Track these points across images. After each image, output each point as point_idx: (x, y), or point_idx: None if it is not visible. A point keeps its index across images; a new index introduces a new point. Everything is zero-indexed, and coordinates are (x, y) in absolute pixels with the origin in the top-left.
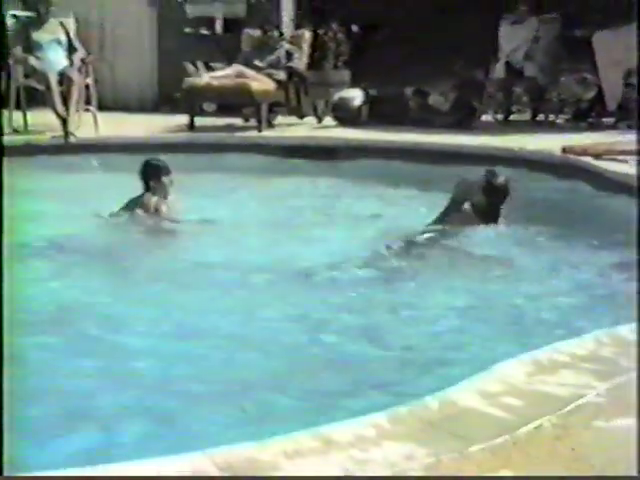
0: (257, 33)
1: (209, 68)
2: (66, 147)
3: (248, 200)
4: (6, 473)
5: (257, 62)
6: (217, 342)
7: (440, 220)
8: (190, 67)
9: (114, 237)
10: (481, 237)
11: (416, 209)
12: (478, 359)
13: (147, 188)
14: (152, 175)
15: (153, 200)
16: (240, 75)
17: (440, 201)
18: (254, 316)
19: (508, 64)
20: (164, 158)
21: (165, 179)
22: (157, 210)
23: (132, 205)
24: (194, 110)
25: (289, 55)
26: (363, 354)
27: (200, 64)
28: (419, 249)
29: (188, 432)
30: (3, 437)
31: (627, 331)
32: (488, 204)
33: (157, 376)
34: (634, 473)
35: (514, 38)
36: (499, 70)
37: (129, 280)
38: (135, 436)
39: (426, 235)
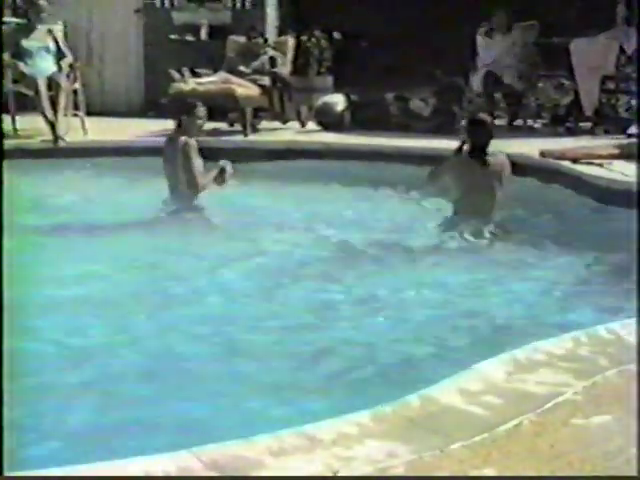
0: (242, 40)
1: (195, 74)
2: (55, 151)
3: (232, 199)
4: (6, 473)
5: (242, 68)
6: None
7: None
8: (175, 74)
9: None
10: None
11: (397, 209)
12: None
13: (179, 125)
14: (186, 112)
15: (182, 139)
16: (225, 82)
17: (419, 202)
18: None
19: (487, 71)
20: (151, 162)
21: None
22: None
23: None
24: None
25: (273, 61)
26: None
27: (186, 70)
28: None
29: None
30: (3, 437)
31: (604, 331)
32: (473, 142)
33: None
34: (634, 472)
35: (492, 47)
36: (477, 79)
37: None
38: None
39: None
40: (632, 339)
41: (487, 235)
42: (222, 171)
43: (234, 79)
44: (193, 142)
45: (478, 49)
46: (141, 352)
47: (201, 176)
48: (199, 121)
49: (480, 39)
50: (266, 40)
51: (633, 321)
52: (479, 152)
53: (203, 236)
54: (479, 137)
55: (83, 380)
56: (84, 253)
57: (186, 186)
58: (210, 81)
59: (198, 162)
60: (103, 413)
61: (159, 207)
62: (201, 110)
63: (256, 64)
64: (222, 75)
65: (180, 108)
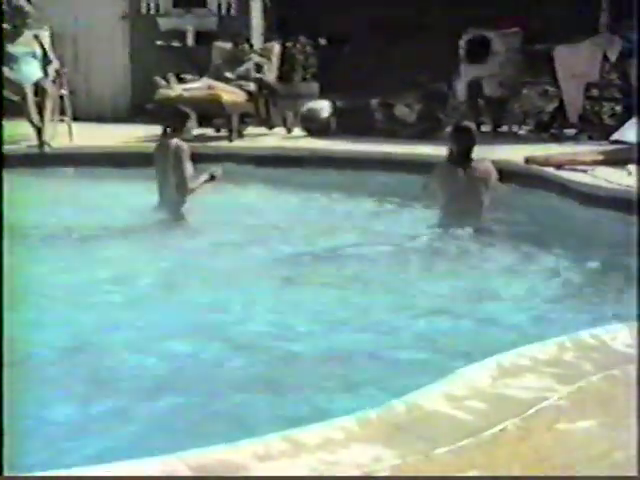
0: (228, 46)
1: (180, 80)
2: (41, 156)
3: (218, 204)
4: (6, 473)
5: (228, 74)
6: None
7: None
8: (161, 81)
9: None
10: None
11: (381, 214)
12: None
13: (172, 129)
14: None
15: (174, 142)
16: (210, 88)
17: (404, 207)
18: None
19: (470, 79)
20: (137, 167)
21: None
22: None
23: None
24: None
25: (258, 67)
26: None
27: (171, 76)
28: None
29: None
30: (3, 437)
31: (588, 336)
32: (458, 147)
33: None
34: (635, 473)
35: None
36: (461, 85)
37: None
38: None
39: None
40: (616, 344)
41: (473, 240)
42: (212, 177)
43: (218, 85)
44: (185, 146)
45: (461, 57)
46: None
47: (191, 180)
48: (190, 127)
49: (465, 48)
50: (252, 46)
51: (617, 326)
52: (463, 158)
53: (187, 240)
54: (463, 143)
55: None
56: (66, 259)
57: (175, 189)
58: (195, 87)
59: (188, 166)
60: None
61: (146, 211)
62: (192, 116)
63: (241, 70)
64: (205, 81)
65: (172, 114)
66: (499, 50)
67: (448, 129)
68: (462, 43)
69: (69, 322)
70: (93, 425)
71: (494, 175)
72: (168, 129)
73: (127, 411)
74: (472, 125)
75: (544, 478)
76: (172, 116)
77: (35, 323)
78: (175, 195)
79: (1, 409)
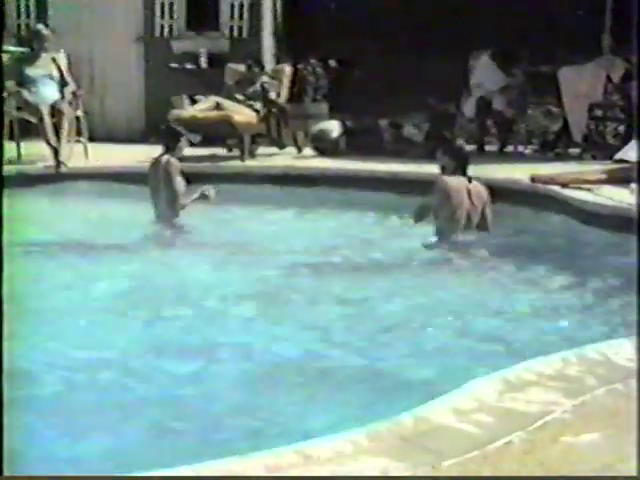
0: (241, 68)
1: (194, 101)
2: (57, 176)
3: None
4: (6, 473)
5: (238, 95)
6: None
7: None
8: (179, 100)
9: None
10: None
11: (387, 230)
12: None
13: (166, 148)
14: (171, 137)
15: (164, 158)
16: (218, 106)
17: (409, 224)
18: None
19: (478, 99)
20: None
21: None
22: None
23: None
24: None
25: (269, 88)
26: None
27: (185, 97)
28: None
29: None
30: (3, 437)
31: (593, 351)
32: (454, 163)
33: None
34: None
35: (492, 70)
36: (469, 105)
37: None
38: None
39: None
40: (619, 359)
41: (476, 254)
42: (203, 196)
43: (226, 103)
44: (175, 162)
45: (475, 73)
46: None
47: (182, 196)
48: (182, 146)
49: (483, 60)
50: (263, 68)
51: (620, 341)
52: (462, 174)
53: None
54: (461, 160)
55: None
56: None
57: (166, 205)
58: (205, 107)
59: (179, 182)
60: None
61: (148, 227)
62: (184, 136)
63: (250, 91)
64: (212, 99)
65: (165, 133)
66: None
67: (439, 150)
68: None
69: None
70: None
71: (487, 195)
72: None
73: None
74: (463, 143)
75: (544, 478)
76: (166, 135)
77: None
78: (167, 210)
79: (1, 409)
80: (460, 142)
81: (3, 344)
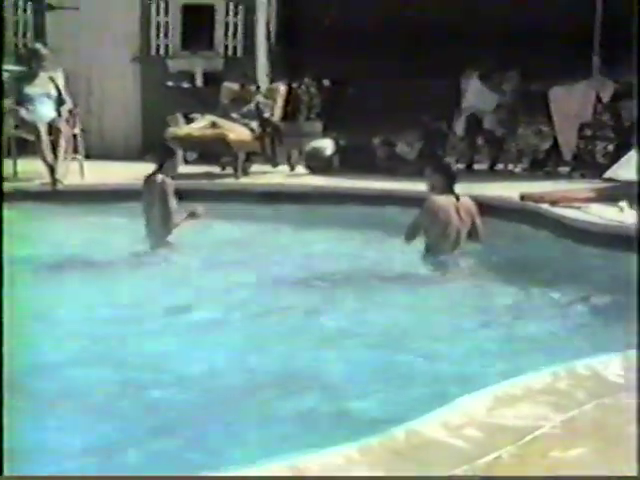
0: (236, 87)
1: (189, 120)
2: (53, 193)
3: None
4: (6, 473)
5: (233, 114)
6: None
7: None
8: (174, 119)
9: None
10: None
11: (380, 247)
12: None
13: (160, 166)
14: (165, 155)
15: (159, 177)
16: (214, 124)
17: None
18: None
19: (469, 117)
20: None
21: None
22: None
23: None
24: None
25: (263, 107)
26: None
27: (179, 116)
28: None
29: None
30: (3, 437)
31: (581, 366)
32: (443, 181)
33: None
34: None
35: (483, 91)
36: (460, 124)
37: None
38: None
39: None
40: (608, 374)
41: (464, 269)
42: (192, 214)
43: (221, 122)
44: (170, 181)
45: (467, 93)
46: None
47: (175, 214)
48: (176, 163)
49: (474, 82)
50: (258, 87)
51: (609, 357)
52: (450, 191)
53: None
54: (451, 178)
55: None
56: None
57: (160, 223)
58: (202, 126)
59: (173, 201)
60: None
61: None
62: (178, 154)
63: (245, 110)
64: (208, 118)
65: (162, 151)
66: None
67: (428, 169)
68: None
69: None
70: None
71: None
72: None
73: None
74: (452, 162)
75: (544, 478)
76: (160, 153)
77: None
78: (160, 228)
79: (1, 410)
80: (448, 160)
81: (3, 346)
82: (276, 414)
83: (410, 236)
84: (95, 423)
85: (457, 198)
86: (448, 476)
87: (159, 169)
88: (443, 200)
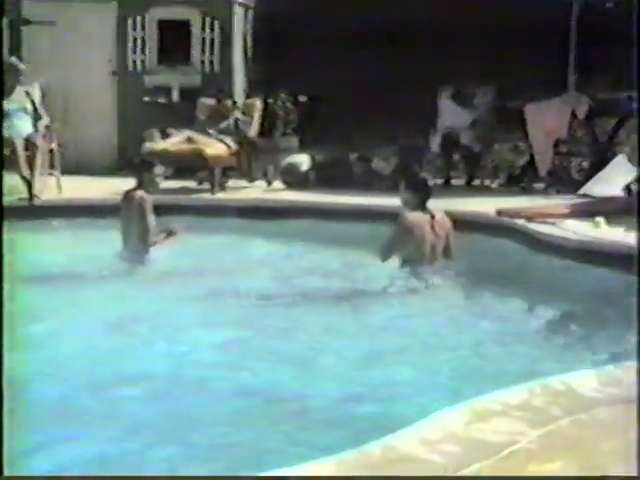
0: (212, 102)
1: (165, 135)
2: (30, 209)
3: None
4: (6, 473)
5: (210, 131)
6: None
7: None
8: (150, 134)
9: None
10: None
11: (353, 261)
12: None
13: (139, 182)
14: (143, 169)
15: (138, 193)
16: (190, 140)
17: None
18: None
19: (445, 134)
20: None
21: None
22: (140, 205)
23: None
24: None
25: (237, 124)
26: None
27: (155, 131)
28: None
29: None
30: (3, 437)
31: (557, 382)
32: (416, 197)
33: None
34: None
35: (456, 110)
36: (436, 140)
37: None
38: None
39: None
40: (583, 390)
41: (437, 283)
42: (170, 233)
43: (197, 137)
44: (149, 197)
45: (440, 111)
46: None
47: (153, 231)
48: (157, 178)
49: (445, 102)
50: (235, 103)
51: (585, 372)
52: (423, 207)
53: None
54: (425, 194)
55: None
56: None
57: (138, 239)
58: (179, 141)
59: (151, 218)
60: None
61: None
62: (158, 168)
63: (223, 125)
64: (185, 134)
65: (140, 166)
66: (477, 104)
67: (402, 183)
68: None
69: None
70: None
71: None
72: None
73: None
74: (428, 177)
75: (544, 478)
76: (139, 169)
77: None
78: (138, 244)
79: (1, 410)
80: (423, 176)
81: (3, 348)
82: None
83: (385, 255)
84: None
85: (432, 215)
86: (448, 476)
87: (138, 185)
88: (416, 216)
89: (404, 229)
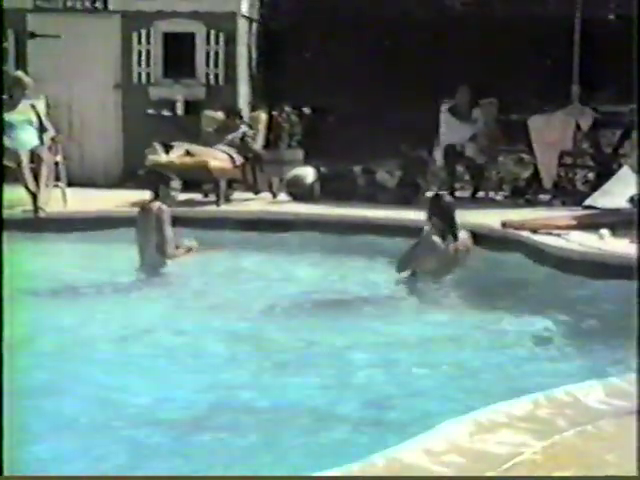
0: (217, 115)
1: (169, 147)
2: (36, 221)
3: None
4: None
5: (218, 145)
6: None
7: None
8: (153, 149)
9: None
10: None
11: (362, 274)
12: None
13: (156, 194)
14: (159, 182)
15: (156, 204)
16: (189, 153)
17: (383, 269)
18: None
19: (447, 147)
20: (128, 231)
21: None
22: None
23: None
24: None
25: (244, 139)
26: None
27: (158, 145)
28: None
29: None
30: (3, 437)
31: (562, 393)
32: (440, 220)
33: None
34: None
35: (455, 124)
36: (439, 153)
37: None
38: None
39: None
40: (589, 401)
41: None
42: (189, 250)
43: (197, 149)
44: (167, 209)
45: (441, 125)
46: None
47: (171, 242)
48: (173, 192)
49: (444, 116)
50: (241, 117)
51: (590, 383)
52: (450, 227)
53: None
54: (451, 220)
55: None
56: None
57: (155, 250)
58: (180, 154)
59: (169, 229)
60: None
61: (131, 273)
62: (175, 182)
63: (230, 138)
64: (184, 146)
65: (156, 179)
66: (476, 118)
67: (428, 194)
68: (444, 107)
69: None
70: None
71: (470, 242)
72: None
73: None
74: (450, 202)
75: (544, 478)
76: (153, 180)
77: None
78: (156, 256)
79: (1, 409)
80: (449, 202)
81: (3, 346)
82: None
83: (403, 268)
84: None
85: (455, 237)
86: (449, 476)
87: (155, 197)
88: (441, 243)
89: (427, 249)
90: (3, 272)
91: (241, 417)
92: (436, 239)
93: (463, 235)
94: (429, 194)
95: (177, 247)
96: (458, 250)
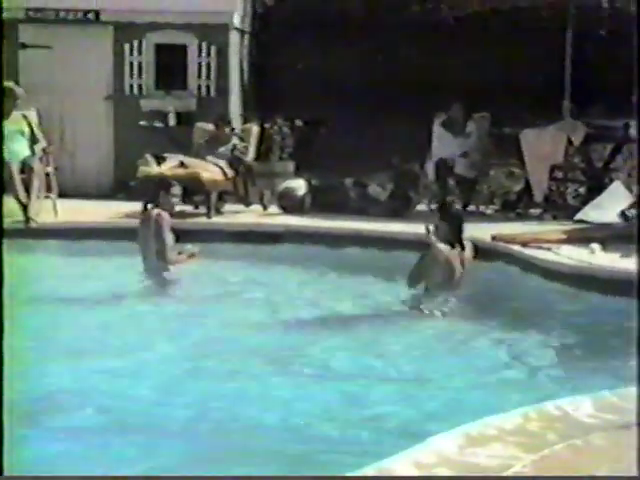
0: (209, 127)
1: (161, 159)
2: (26, 232)
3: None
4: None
5: (209, 158)
6: None
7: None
8: (144, 161)
9: None
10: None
11: (352, 286)
12: None
13: (156, 202)
14: (160, 189)
15: (155, 211)
16: (182, 164)
17: (373, 281)
18: None
19: (438, 161)
20: (119, 243)
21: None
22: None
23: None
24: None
25: (234, 149)
26: None
27: (149, 157)
28: None
29: None
30: (3, 437)
31: (552, 407)
32: (449, 229)
33: None
34: None
35: (447, 138)
36: (431, 166)
37: None
38: None
39: None
40: (578, 415)
41: (446, 309)
42: (192, 255)
43: (189, 160)
44: (166, 215)
45: (433, 138)
46: None
47: (171, 249)
48: (174, 199)
49: (437, 129)
50: (233, 129)
51: (580, 398)
52: (456, 238)
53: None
54: (459, 225)
55: None
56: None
57: (156, 257)
58: (172, 166)
59: (169, 235)
60: None
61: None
62: (176, 188)
63: (222, 150)
64: (178, 158)
65: (157, 185)
66: (470, 132)
67: (420, 207)
68: (437, 121)
69: None
70: None
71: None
72: (148, 205)
73: None
74: (458, 210)
75: (544, 478)
76: (153, 188)
77: None
78: (157, 262)
79: (1, 409)
80: (457, 208)
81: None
82: None
83: (413, 283)
84: None
85: (462, 247)
86: (450, 476)
87: (155, 204)
88: (448, 250)
89: (436, 261)
90: (3, 277)
91: None
92: (443, 247)
93: (468, 245)
94: (434, 205)
95: (179, 253)
96: (463, 257)
